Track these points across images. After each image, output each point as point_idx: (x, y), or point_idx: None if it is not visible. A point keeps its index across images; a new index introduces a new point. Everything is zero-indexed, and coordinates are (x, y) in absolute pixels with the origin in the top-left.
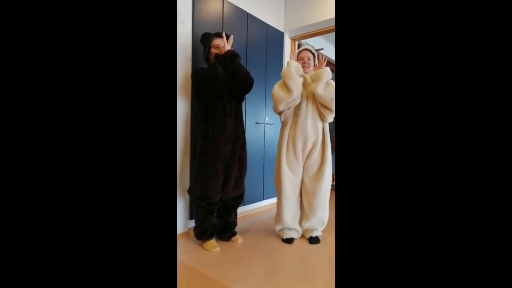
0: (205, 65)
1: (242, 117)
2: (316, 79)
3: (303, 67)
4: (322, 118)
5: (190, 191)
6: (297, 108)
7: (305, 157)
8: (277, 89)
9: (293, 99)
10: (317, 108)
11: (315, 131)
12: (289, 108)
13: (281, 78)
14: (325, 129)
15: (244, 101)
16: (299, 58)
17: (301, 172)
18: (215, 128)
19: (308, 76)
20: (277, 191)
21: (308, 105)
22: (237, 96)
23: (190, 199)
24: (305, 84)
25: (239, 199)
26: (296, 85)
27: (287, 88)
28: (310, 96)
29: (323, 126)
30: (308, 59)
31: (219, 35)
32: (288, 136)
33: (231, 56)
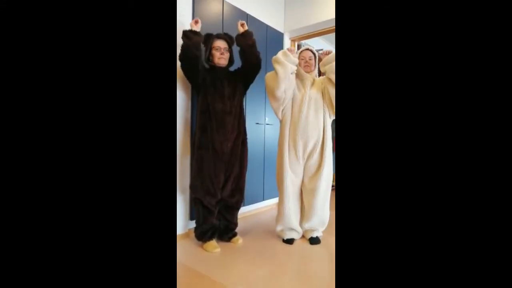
0: (206, 66)
1: (243, 114)
2: (330, 60)
3: (305, 66)
4: (331, 112)
5: (191, 187)
6: (298, 108)
7: (305, 157)
8: (268, 76)
9: (285, 77)
10: (322, 106)
11: (317, 132)
12: (284, 102)
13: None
14: (326, 129)
15: (244, 101)
16: (300, 58)
17: (301, 172)
18: (213, 125)
19: (309, 76)
20: (279, 192)
21: (310, 105)
22: (239, 90)
23: (191, 197)
24: (305, 84)
25: (239, 196)
26: (284, 63)
27: (276, 72)
28: (312, 96)
29: (324, 126)
30: (310, 59)
31: (220, 37)
32: (289, 136)
33: (251, 33)
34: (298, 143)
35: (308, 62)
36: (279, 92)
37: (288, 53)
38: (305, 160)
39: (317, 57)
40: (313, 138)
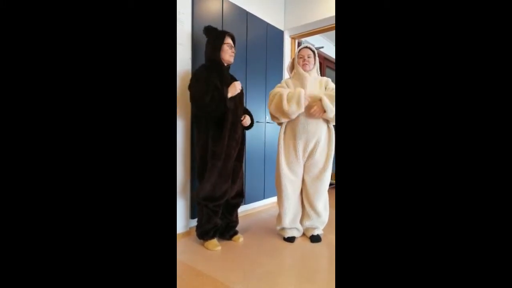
0: (203, 61)
1: None
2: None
3: (303, 65)
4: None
5: (198, 193)
6: None
7: (306, 156)
8: (273, 110)
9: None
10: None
11: (317, 130)
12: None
13: (280, 81)
14: (331, 127)
15: (244, 99)
16: (299, 56)
17: (301, 171)
18: (229, 132)
19: (308, 74)
20: (278, 192)
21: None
22: (242, 99)
23: (195, 200)
24: (304, 83)
25: (241, 198)
26: (293, 112)
27: (283, 113)
28: (312, 97)
29: (327, 124)
30: (308, 57)
31: (230, 34)
32: (289, 135)
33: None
34: (297, 142)
35: (307, 60)
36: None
37: (302, 102)
38: (305, 159)
39: (316, 54)
40: (314, 137)
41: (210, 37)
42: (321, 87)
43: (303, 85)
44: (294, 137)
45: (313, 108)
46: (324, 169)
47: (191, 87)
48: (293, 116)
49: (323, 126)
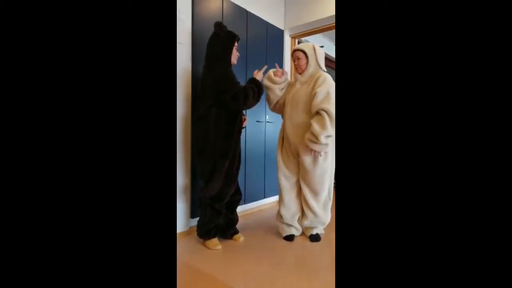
0: (203, 60)
1: None
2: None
3: (295, 69)
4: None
5: (205, 193)
6: (285, 108)
7: (295, 156)
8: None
9: (276, 96)
10: (307, 113)
11: (299, 136)
12: (276, 106)
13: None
14: None
15: None
16: (292, 60)
17: (295, 169)
18: (237, 131)
19: (300, 76)
20: (278, 187)
21: (292, 106)
22: None
23: (201, 200)
24: (294, 85)
25: (239, 194)
26: (271, 87)
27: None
28: (296, 96)
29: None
30: (298, 59)
31: (238, 38)
32: (283, 132)
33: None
34: (285, 140)
35: (297, 63)
36: (271, 106)
37: (272, 76)
38: (296, 158)
39: (307, 53)
40: (296, 138)
41: (220, 35)
42: (309, 87)
43: (293, 86)
44: (284, 135)
45: (312, 153)
46: (311, 170)
47: (235, 93)
48: (275, 88)
49: (304, 128)
